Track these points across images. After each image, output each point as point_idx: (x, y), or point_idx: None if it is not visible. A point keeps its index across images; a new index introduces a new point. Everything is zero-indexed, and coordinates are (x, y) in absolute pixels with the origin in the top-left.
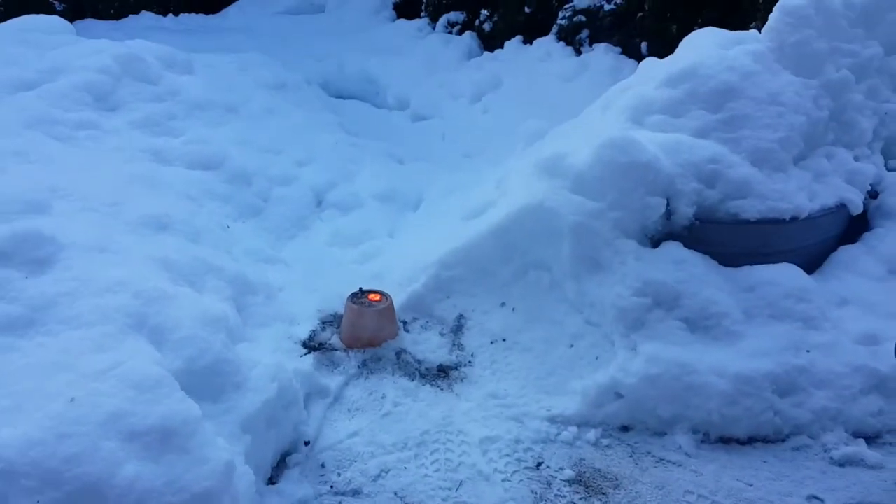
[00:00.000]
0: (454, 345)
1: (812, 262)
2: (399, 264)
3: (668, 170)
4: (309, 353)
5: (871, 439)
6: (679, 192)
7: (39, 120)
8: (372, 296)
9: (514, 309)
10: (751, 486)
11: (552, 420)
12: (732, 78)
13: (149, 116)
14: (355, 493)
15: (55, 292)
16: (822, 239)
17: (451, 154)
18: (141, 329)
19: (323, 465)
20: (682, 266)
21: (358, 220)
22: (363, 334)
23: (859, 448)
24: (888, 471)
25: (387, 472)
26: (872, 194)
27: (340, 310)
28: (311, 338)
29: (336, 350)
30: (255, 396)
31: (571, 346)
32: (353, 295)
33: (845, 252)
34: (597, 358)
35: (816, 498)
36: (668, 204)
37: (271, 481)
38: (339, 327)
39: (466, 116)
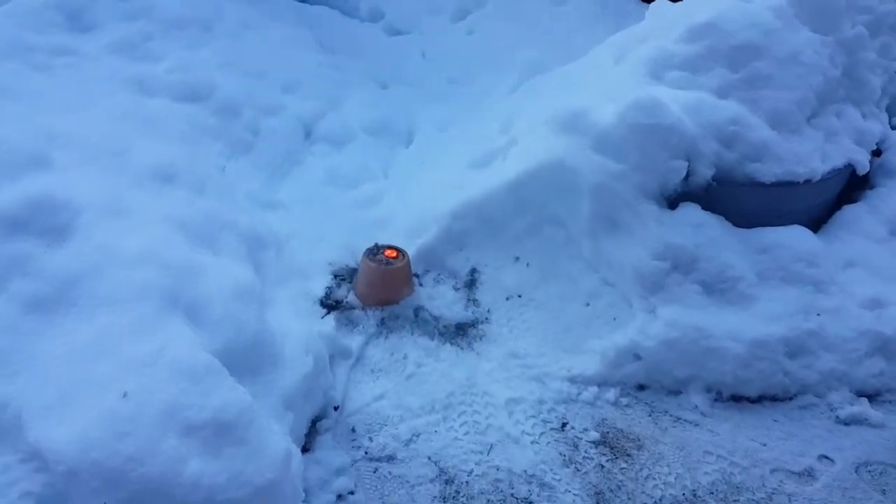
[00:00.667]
0: (469, 300)
1: (817, 221)
2: (405, 212)
3: (691, 131)
4: (328, 312)
5: (872, 398)
6: (700, 153)
7: (14, 46)
8: (388, 252)
9: (528, 264)
10: (765, 445)
11: (573, 380)
12: (754, 35)
13: (125, 38)
14: (390, 458)
15: (80, 266)
16: (828, 198)
17: (434, 78)
18: (176, 307)
19: (353, 430)
20: (700, 229)
21: (351, 156)
22: (382, 293)
23: (863, 408)
24: (889, 430)
25: (418, 437)
26: (875, 152)
27: (352, 263)
28: (327, 295)
29: (354, 308)
30: (293, 372)
31: (588, 304)
32: (369, 251)
33: (849, 212)
34: (614, 319)
35: (827, 458)
36: (688, 165)
37: (305, 448)
38: (351, 282)
39: (448, 35)
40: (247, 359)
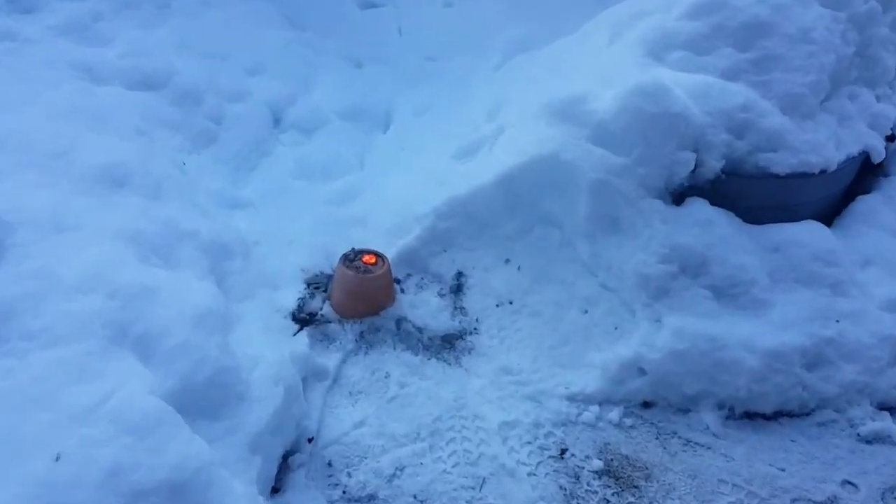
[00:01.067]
0: (456, 308)
1: (831, 213)
2: (384, 209)
3: (699, 120)
4: (301, 328)
5: (894, 410)
6: (709, 144)
7: None
8: (367, 257)
9: (519, 267)
10: (783, 471)
11: (571, 399)
12: (763, 11)
13: (73, 19)
14: (371, 498)
15: (13, 295)
16: (841, 188)
17: (411, 56)
18: (124, 341)
19: (330, 464)
20: (709, 228)
21: (323, 144)
22: (360, 304)
23: (885, 423)
24: None
25: (402, 470)
26: (889, 137)
27: (327, 269)
28: (300, 308)
29: (329, 322)
30: (261, 409)
31: (585, 311)
32: (346, 257)
33: (864, 203)
34: (616, 328)
35: (851, 483)
36: (695, 157)
37: (275, 489)
38: (326, 290)
39: (425, 8)
40: (207, 397)
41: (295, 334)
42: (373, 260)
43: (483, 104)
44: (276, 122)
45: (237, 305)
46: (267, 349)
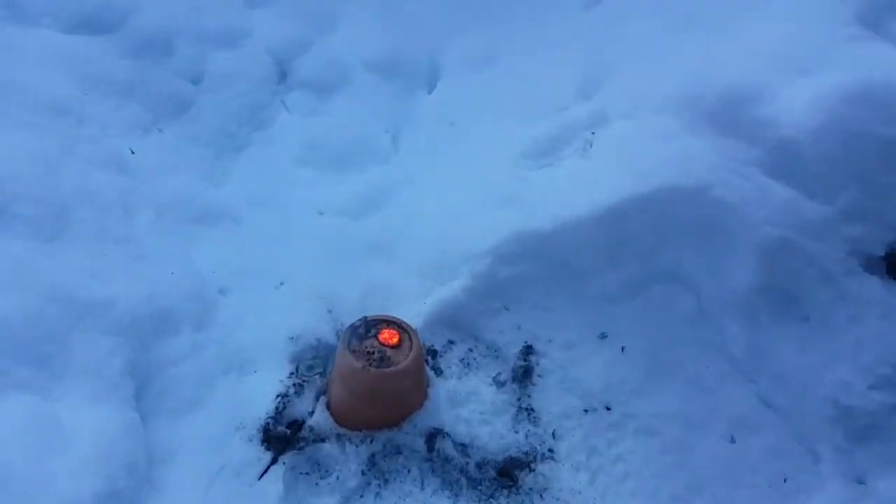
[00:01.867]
0: (521, 408)
1: None
2: (420, 230)
3: None
4: (274, 460)
5: None
6: None
7: None
8: (385, 334)
9: (623, 348)
10: None
11: None
12: None
13: None
14: None
15: None
16: None
17: None
18: None
19: None
20: None
21: (344, 113)
22: (372, 412)
23: None
24: None
25: None
26: None
27: (328, 335)
28: (277, 414)
29: (323, 439)
30: None
31: (733, 440)
32: (354, 332)
33: None
34: (785, 480)
35: None
36: None
37: None
38: (324, 374)
39: None
40: None
41: (261, 477)
42: (394, 339)
43: (572, 66)
44: (282, 76)
45: (171, 427)
46: None
